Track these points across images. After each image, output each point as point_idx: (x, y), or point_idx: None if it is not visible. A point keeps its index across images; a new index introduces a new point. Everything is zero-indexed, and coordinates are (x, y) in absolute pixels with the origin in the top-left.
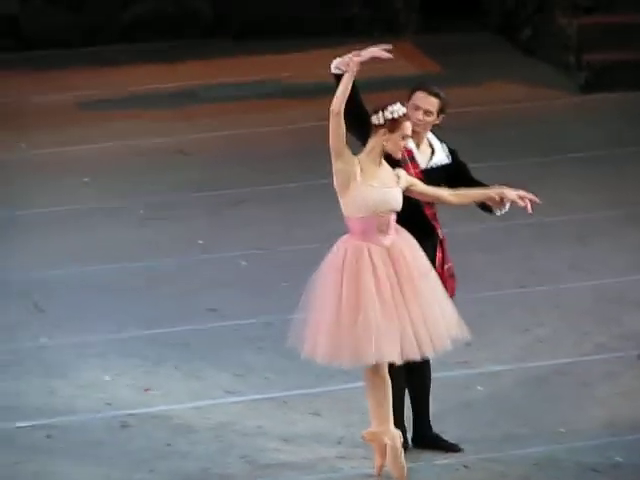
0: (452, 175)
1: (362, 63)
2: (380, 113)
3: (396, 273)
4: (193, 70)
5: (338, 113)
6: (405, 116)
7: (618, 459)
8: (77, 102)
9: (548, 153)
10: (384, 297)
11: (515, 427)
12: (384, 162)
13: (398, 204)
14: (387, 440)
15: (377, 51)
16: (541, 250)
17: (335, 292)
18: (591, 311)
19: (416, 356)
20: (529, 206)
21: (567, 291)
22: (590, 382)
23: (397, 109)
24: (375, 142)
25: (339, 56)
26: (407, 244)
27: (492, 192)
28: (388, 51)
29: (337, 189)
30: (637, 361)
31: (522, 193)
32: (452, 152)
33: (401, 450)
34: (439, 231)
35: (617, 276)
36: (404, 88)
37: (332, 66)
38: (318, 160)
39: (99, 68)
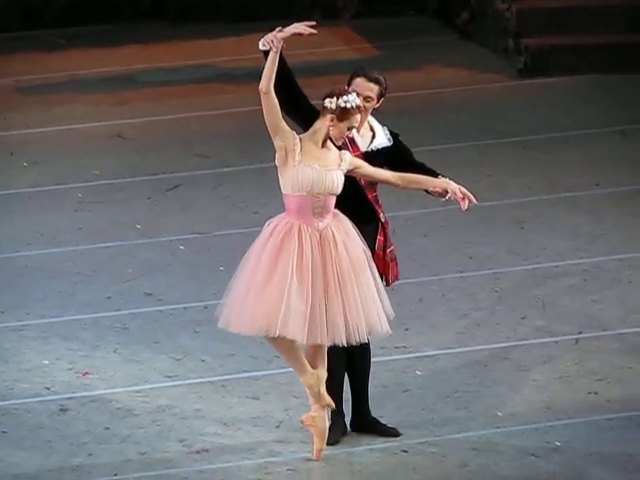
0: (393, 158)
1: (286, 39)
2: (334, 99)
3: (323, 257)
4: (131, 54)
5: (267, 92)
6: (358, 108)
7: (557, 443)
8: (17, 87)
9: (486, 137)
10: (302, 276)
11: (453, 411)
12: (329, 144)
13: (336, 187)
14: (327, 423)
15: (300, 27)
16: (479, 235)
17: (254, 262)
18: (529, 295)
19: (323, 341)
20: (465, 204)
21: (505, 275)
22: (528, 366)
23: (352, 100)
24: (321, 124)
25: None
26: (342, 229)
27: (438, 182)
28: (311, 27)
29: (277, 166)
30: (575, 345)
31: (464, 191)
32: (394, 135)
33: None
34: (381, 215)
35: (554, 260)
36: (343, 72)
37: (259, 43)
38: (254, 144)
39: (38, 52)
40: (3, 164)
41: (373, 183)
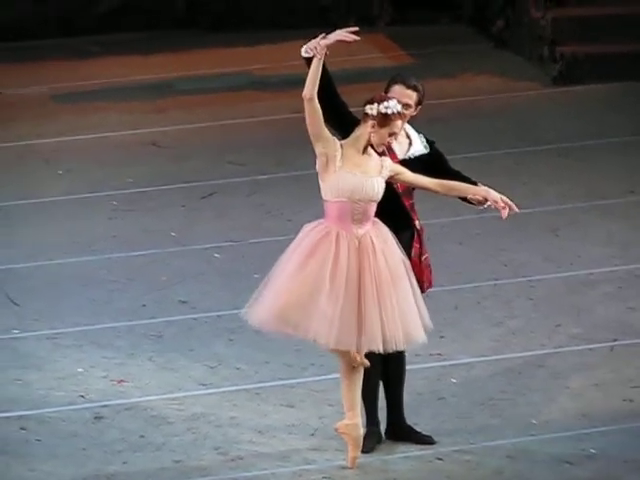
0: (430, 165)
1: (329, 46)
2: (375, 105)
3: (360, 264)
4: (166, 62)
5: (310, 99)
6: (399, 114)
7: (592, 451)
8: (52, 94)
9: (521, 145)
10: (334, 281)
11: (488, 419)
12: (370, 151)
13: (376, 193)
14: (360, 431)
15: (343, 34)
16: (514, 242)
17: (285, 260)
18: (564, 303)
19: (354, 347)
20: (505, 213)
21: (540, 283)
22: (563, 374)
23: (393, 105)
24: (362, 131)
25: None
26: (381, 237)
27: (478, 190)
28: (354, 34)
29: (318, 172)
30: (610, 352)
31: (505, 199)
32: (430, 143)
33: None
34: (416, 222)
35: (589, 267)
36: (378, 80)
37: (302, 50)
38: (290, 152)
39: (73, 60)
40: (38, 172)
41: (409, 191)
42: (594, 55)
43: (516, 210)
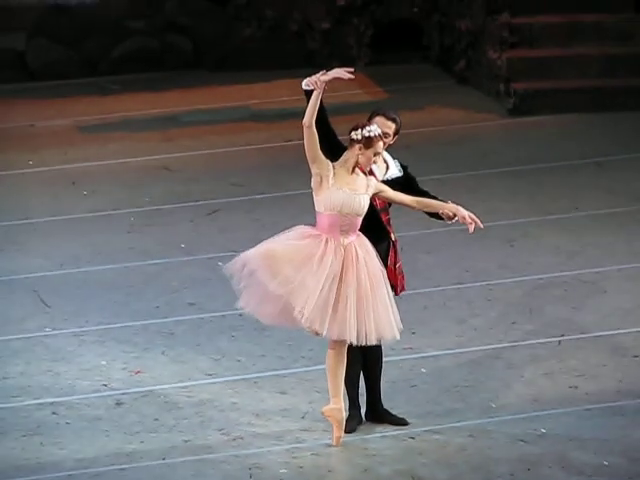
0: (403, 187)
1: (328, 82)
2: (359, 130)
3: (344, 267)
4: (175, 98)
5: (309, 126)
6: (380, 136)
7: (543, 430)
8: (77, 126)
9: (481, 168)
10: (320, 268)
11: (454, 403)
12: (358, 171)
13: (362, 208)
14: (344, 414)
15: (341, 72)
16: (475, 251)
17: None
18: (518, 303)
19: (321, 330)
20: (472, 228)
21: (498, 286)
22: (518, 364)
23: (374, 129)
24: (350, 154)
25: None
26: (364, 248)
27: (448, 207)
28: (350, 73)
29: (313, 188)
30: (558, 346)
31: (472, 216)
32: (403, 167)
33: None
34: (392, 235)
35: (540, 273)
36: (358, 112)
37: (303, 83)
38: (283, 175)
39: (95, 97)
40: (66, 193)
41: (386, 208)
42: (544, 90)
43: (481, 226)
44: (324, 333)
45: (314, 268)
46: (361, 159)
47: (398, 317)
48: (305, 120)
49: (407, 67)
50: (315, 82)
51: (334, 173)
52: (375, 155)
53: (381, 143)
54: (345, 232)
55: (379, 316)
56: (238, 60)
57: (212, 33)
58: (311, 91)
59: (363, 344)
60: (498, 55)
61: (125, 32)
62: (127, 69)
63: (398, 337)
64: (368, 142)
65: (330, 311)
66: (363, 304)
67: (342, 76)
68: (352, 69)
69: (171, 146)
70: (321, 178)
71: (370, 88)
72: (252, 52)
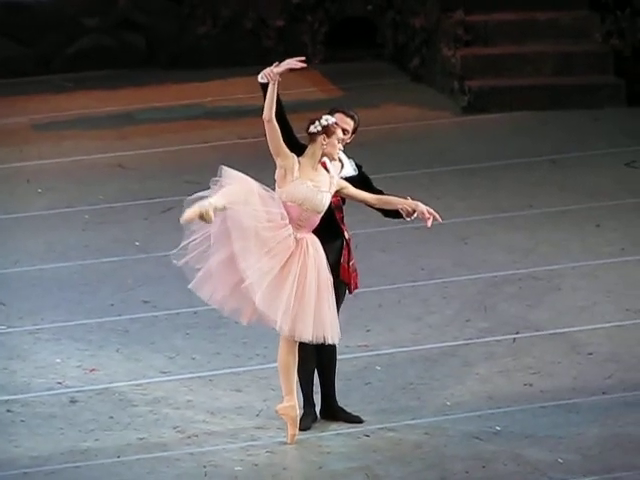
0: (357, 185)
1: (281, 74)
2: (316, 122)
3: (290, 259)
4: (129, 95)
5: (269, 120)
6: (336, 124)
7: (497, 428)
8: (32, 124)
9: (435, 165)
10: (273, 251)
11: (408, 401)
12: (321, 168)
13: (322, 206)
14: (297, 411)
15: (292, 62)
16: (430, 249)
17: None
18: (473, 301)
19: (270, 314)
20: (430, 222)
21: (452, 284)
22: (473, 362)
23: (329, 118)
24: (314, 148)
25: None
26: (315, 247)
27: (408, 203)
28: (301, 62)
29: (276, 180)
30: (513, 344)
31: (431, 210)
32: (358, 166)
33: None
34: (345, 232)
35: (494, 271)
36: (313, 109)
37: (259, 77)
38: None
39: (50, 94)
40: (20, 190)
41: (340, 206)
42: (498, 88)
43: (439, 220)
44: (277, 327)
45: (271, 247)
46: (327, 148)
47: (337, 325)
48: (265, 114)
49: (362, 65)
50: (269, 74)
51: (299, 166)
52: (338, 142)
53: (339, 130)
54: (300, 227)
55: (320, 318)
56: (193, 58)
57: (166, 31)
58: (267, 84)
59: (296, 339)
60: (452, 53)
61: (80, 29)
62: (81, 66)
63: (336, 342)
64: (328, 130)
65: (275, 296)
66: (305, 301)
67: (294, 66)
68: (303, 58)
69: (126, 144)
70: (285, 171)
71: (325, 86)
72: (207, 50)
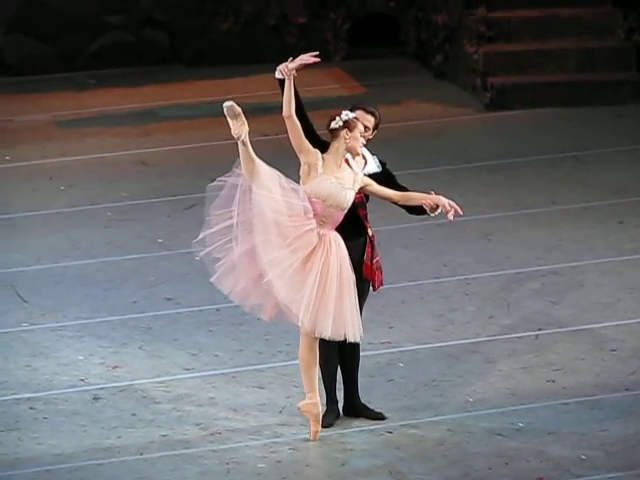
0: (381, 182)
1: (297, 69)
2: (337, 118)
3: (314, 254)
4: (152, 92)
5: (289, 116)
6: (356, 118)
7: (520, 424)
8: (54, 121)
9: (458, 162)
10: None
11: (431, 397)
12: (345, 166)
13: (346, 202)
14: (320, 409)
15: (306, 57)
16: (452, 246)
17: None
18: (496, 297)
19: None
20: (451, 215)
21: (475, 281)
22: (495, 358)
23: (349, 113)
24: (338, 145)
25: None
26: (338, 244)
27: (430, 197)
28: (315, 56)
29: (301, 177)
30: (535, 340)
31: (452, 203)
32: (382, 163)
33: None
34: (369, 230)
35: (517, 267)
36: (334, 107)
37: (276, 72)
38: None
39: (72, 91)
40: (43, 188)
41: (364, 203)
42: (520, 85)
43: (460, 213)
44: (301, 323)
45: (293, 237)
46: (350, 142)
47: (359, 323)
48: (284, 111)
49: (384, 61)
50: (283, 70)
51: (323, 163)
52: (362, 136)
53: (360, 124)
54: (324, 223)
55: (342, 316)
56: (215, 55)
57: (189, 28)
58: (284, 80)
59: (316, 336)
60: (475, 49)
61: (102, 27)
62: (104, 64)
63: (358, 340)
64: (350, 124)
65: (298, 290)
66: (328, 298)
67: (307, 61)
68: (317, 53)
69: (148, 141)
70: (309, 167)
71: (347, 83)
72: (229, 47)
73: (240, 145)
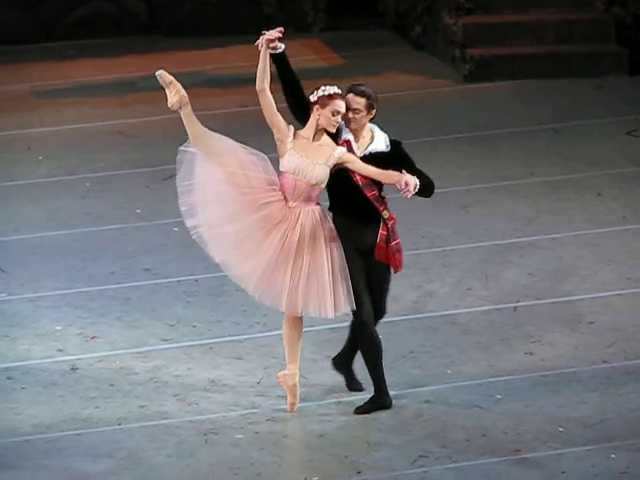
0: (390, 163)
1: (269, 45)
2: (315, 91)
3: (277, 226)
4: (130, 63)
5: (261, 90)
6: (336, 95)
7: (498, 396)
8: (33, 91)
9: (437, 134)
10: (261, 211)
11: (410, 369)
12: (323, 140)
13: (315, 178)
14: (296, 380)
15: (273, 32)
16: (431, 217)
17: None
18: (474, 269)
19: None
20: (406, 194)
21: (453, 252)
22: (473, 330)
23: (329, 88)
24: (311, 119)
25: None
26: (311, 216)
27: (392, 175)
28: (279, 32)
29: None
30: (514, 312)
31: (409, 183)
32: (394, 143)
33: (297, 388)
34: (384, 212)
35: (495, 239)
36: (313, 78)
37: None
38: (238, 140)
39: (51, 62)
40: (21, 158)
41: (371, 183)
42: (499, 56)
43: (412, 192)
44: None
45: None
46: (321, 120)
47: (340, 299)
48: (257, 84)
49: (363, 33)
50: (260, 43)
51: (293, 138)
52: (334, 115)
53: (341, 102)
54: (296, 198)
55: (311, 287)
56: (194, 25)
57: None
58: (277, 56)
59: (281, 310)
60: (454, 21)
61: None
62: (83, 34)
63: (332, 316)
64: (324, 101)
65: (265, 278)
66: (296, 270)
67: (272, 37)
68: (281, 28)
69: (127, 111)
70: (280, 142)
71: (326, 54)
72: (208, 17)
73: (182, 116)
